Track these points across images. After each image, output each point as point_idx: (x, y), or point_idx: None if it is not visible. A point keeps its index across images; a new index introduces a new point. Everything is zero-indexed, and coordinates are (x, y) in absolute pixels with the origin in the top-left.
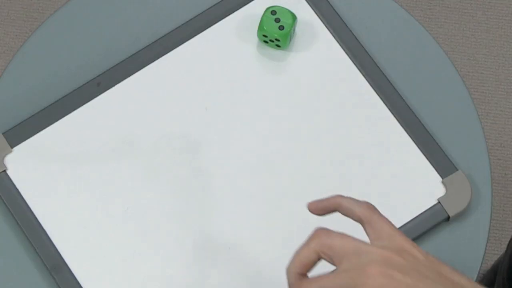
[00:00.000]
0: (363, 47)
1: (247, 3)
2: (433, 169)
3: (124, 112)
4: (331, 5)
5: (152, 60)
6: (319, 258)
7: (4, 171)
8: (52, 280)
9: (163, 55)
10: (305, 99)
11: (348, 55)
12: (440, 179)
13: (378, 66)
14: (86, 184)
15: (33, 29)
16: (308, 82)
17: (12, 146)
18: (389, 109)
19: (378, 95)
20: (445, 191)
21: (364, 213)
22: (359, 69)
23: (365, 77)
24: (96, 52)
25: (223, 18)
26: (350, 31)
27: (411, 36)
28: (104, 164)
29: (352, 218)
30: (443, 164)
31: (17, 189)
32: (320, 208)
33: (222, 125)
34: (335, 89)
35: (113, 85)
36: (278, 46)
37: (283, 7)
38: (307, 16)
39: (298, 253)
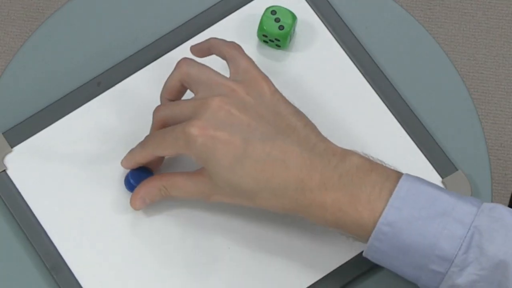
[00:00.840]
0: (363, 47)
1: (247, 3)
2: (433, 169)
3: (124, 112)
4: (331, 5)
5: (152, 60)
6: (183, 87)
7: (4, 171)
8: (52, 280)
9: (163, 55)
10: (305, 99)
11: (348, 55)
12: (440, 179)
13: (378, 66)
14: (86, 184)
15: (33, 29)
16: (308, 82)
17: (12, 146)
18: (389, 109)
19: (378, 95)
20: None
21: (229, 50)
22: (359, 69)
23: (365, 77)
24: (96, 52)
25: (223, 18)
26: (350, 31)
27: (411, 36)
28: (104, 164)
29: (220, 56)
30: (443, 164)
31: (17, 189)
32: (198, 49)
33: None
34: (335, 89)
35: (113, 85)
36: (278, 46)
37: (283, 7)
38: (307, 16)
39: (165, 83)
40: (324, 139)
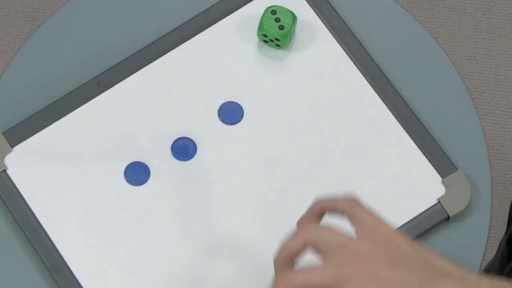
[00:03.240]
0: (363, 47)
1: (247, 2)
2: (433, 169)
3: (124, 112)
4: (331, 5)
5: (152, 60)
6: (305, 249)
7: (4, 170)
8: (52, 280)
9: (163, 54)
10: (304, 99)
11: (348, 55)
12: (440, 179)
13: (378, 66)
14: (86, 184)
15: (33, 29)
16: (308, 82)
17: (12, 145)
18: (389, 109)
19: (378, 95)
20: (445, 191)
21: (347, 205)
22: (359, 69)
23: (365, 77)
24: (96, 52)
25: (223, 17)
26: (350, 31)
27: (411, 36)
28: (104, 163)
29: (337, 214)
30: (443, 164)
31: (17, 189)
32: (309, 218)
33: (222, 125)
34: (335, 89)
35: (113, 85)
36: (278, 45)
37: (283, 7)
38: (307, 16)
39: (285, 243)
40: (481, 276)
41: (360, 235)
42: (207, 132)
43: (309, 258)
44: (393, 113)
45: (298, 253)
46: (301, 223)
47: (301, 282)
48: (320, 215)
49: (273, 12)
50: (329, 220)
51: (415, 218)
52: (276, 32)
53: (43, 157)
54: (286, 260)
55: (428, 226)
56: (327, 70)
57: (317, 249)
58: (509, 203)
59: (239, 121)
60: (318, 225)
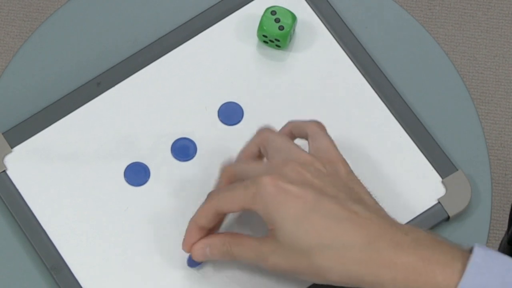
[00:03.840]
0: (363, 47)
1: (247, 3)
2: (433, 169)
3: (124, 112)
4: (331, 5)
5: (152, 60)
6: (260, 154)
7: (4, 171)
8: (52, 280)
9: (163, 55)
10: (304, 99)
11: (348, 55)
12: (440, 179)
13: (378, 66)
14: (86, 184)
15: (33, 29)
16: (308, 82)
17: (12, 146)
18: (389, 109)
19: (378, 95)
20: (445, 191)
21: (312, 128)
22: (359, 69)
23: (365, 77)
24: (96, 52)
25: (223, 18)
26: (350, 31)
27: (411, 36)
28: (104, 164)
29: (301, 136)
30: (443, 164)
31: (17, 189)
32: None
33: (222, 124)
34: (335, 89)
35: (113, 85)
36: (278, 46)
37: (283, 7)
38: (307, 16)
39: (243, 146)
40: (391, 217)
41: (310, 151)
42: (207, 132)
43: None
44: (393, 113)
45: (252, 153)
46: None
47: (235, 169)
48: (292, 136)
49: (273, 13)
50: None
51: (415, 218)
52: (276, 33)
53: (43, 157)
54: (242, 159)
55: (428, 226)
56: (327, 70)
57: (266, 152)
58: (509, 203)
59: (239, 121)
60: (274, 130)
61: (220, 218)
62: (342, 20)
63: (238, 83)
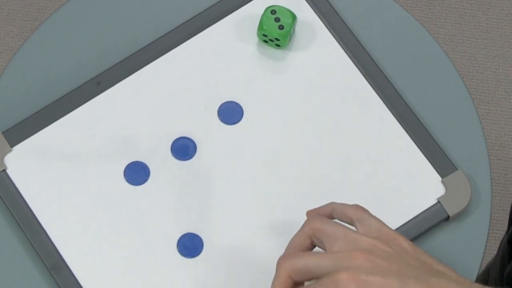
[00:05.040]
0: (363, 47)
1: (247, 2)
2: (433, 168)
3: (124, 112)
4: (331, 5)
5: (152, 60)
6: (312, 244)
7: (4, 170)
8: (52, 280)
9: (163, 54)
10: (304, 98)
11: (348, 55)
12: (440, 178)
13: (378, 66)
14: (86, 184)
15: (33, 29)
16: (308, 82)
17: (12, 145)
18: (389, 109)
19: (378, 95)
20: (445, 191)
21: (355, 212)
22: (359, 69)
23: (365, 77)
24: (96, 51)
25: (222, 17)
26: (350, 31)
27: (411, 36)
28: (104, 163)
29: (345, 220)
30: (443, 163)
31: (17, 189)
32: (317, 214)
33: (222, 124)
34: (335, 89)
35: (113, 84)
36: (278, 45)
37: (283, 7)
38: (307, 15)
39: (292, 239)
40: (475, 284)
41: (364, 232)
42: (207, 132)
43: None
44: (393, 113)
45: (304, 244)
46: (309, 215)
47: (301, 264)
48: (328, 217)
49: (273, 12)
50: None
51: (415, 218)
52: (276, 32)
53: (43, 156)
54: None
55: (428, 226)
56: (327, 70)
57: (321, 242)
58: (509, 203)
59: (239, 121)
60: (323, 217)
61: None
62: (342, 20)
63: (238, 82)
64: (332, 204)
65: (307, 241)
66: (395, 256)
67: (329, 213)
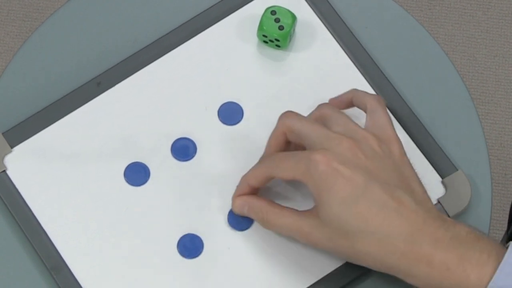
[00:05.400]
0: (363, 47)
1: (247, 3)
2: (432, 169)
3: (124, 112)
4: (331, 5)
5: (152, 60)
6: (287, 138)
7: (4, 171)
8: (52, 280)
9: (163, 55)
10: (304, 99)
11: (348, 55)
12: (440, 179)
13: (378, 66)
14: (86, 184)
15: (33, 29)
16: (308, 82)
17: (12, 146)
18: (389, 109)
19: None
20: (445, 191)
21: (371, 102)
22: (359, 69)
23: (365, 77)
24: (96, 52)
25: (222, 18)
26: (350, 31)
27: (411, 36)
28: (104, 164)
29: (361, 107)
30: (443, 164)
31: (17, 189)
32: (339, 101)
33: (222, 125)
34: (335, 89)
35: (113, 85)
36: (278, 46)
37: (283, 7)
38: (307, 16)
39: (308, 115)
40: (437, 209)
41: (367, 126)
42: (207, 132)
43: None
44: (393, 113)
45: (281, 143)
46: (332, 102)
47: (297, 127)
48: (348, 104)
49: (273, 13)
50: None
51: None
52: (276, 32)
53: (43, 157)
54: (273, 150)
55: None
56: (327, 70)
57: (325, 123)
58: (509, 203)
59: (239, 121)
60: (333, 106)
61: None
62: (342, 20)
63: (238, 83)
64: (354, 90)
65: (283, 137)
66: (378, 157)
67: (350, 98)
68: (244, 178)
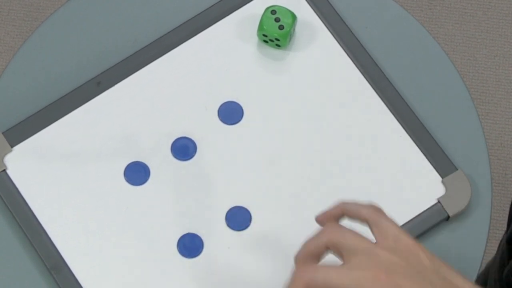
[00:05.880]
0: (363, 47)
1: (247, 2)
2: (433, 168)
3: (124, 112)
4: (331, 5)
5: (152, 60)
6: (326, 249)
7: (4, 170)
8: (52, 280)
9: (163, 54)
10: (304, 98)
11: (348, 55)
12: (440, 178)
13: (378, 66)
14: (86, 184)
15: (33, 29)
16: (308, 82)
17: (12, 145)
18: (389, 109)
19: (378, 95)
20: (445, 191)
21: (370, 214)
22: (359, 69)
23: (365, 77)
24: (96, 51)
25: (223, 17)
26: (350, 31)
27: (411, 36)
28: (104, 163)
29: (359, 221)
30: (443, 163)
31: (17, 189)
32: (327, 218)
33: (222, 124)
34: (335, 89)
35: (113, 85)
36: (278, 45)
37: (283, 7)
38: (307, 15)
39: (308, 241)
40: None
41: (382, 244)
42: (207, 132)
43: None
44: (393, 113)
45: (319, 252)
46: (319, 220)
47: (321, 280)
48: (339, 218)
49: (273, 12)
50: (348, 223)
51: (415, 218)
52: (276, 32)
53: (43, 157)
54: (306, 258)
55: (428, 226)
56: (327, 70)
57: (339, 251)
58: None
59: (239, 121)
60: (342, 227)
61: None
62: (342, 20)
63: (238, 82)
64: (343, 204)
65: (322, 248)
66: (416, 273)
67: (340, 214)
68: None
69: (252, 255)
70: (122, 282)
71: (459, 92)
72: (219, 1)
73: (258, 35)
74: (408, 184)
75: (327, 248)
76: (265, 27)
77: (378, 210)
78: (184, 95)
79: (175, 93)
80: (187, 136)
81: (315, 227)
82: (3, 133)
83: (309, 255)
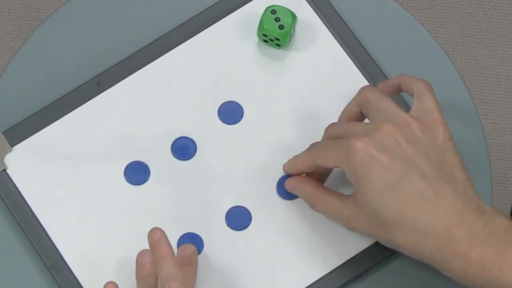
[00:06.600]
0: (363, 47)
1: (247, 2)
2: None
3: (124, 111)
4: (331, 4)
5: (152, 59)
6: (361, 113)
7: (4, 170)
8: (52, 280)
9: (163, 54)
10: (304, 98)
11: (348, 55)
12: None
13: (378, 66)
14: (86, 184)
15: (33, 28)
16: (308, 82)
17: (12, 145)
18: None
19: None
20: None
21: (418, 86)
22: (359, 69)
23: (365, 76)
24: (96, 51)
25: (223, 17)
26: (350, 31)
27: (411, 36)
28: (104, 163)
29: (408, 92)
30: None
31: (17, 189)
32: (387, 86)
33: (222, 124)
34: (335, 89)
35: (113, 84)
36: (278, 45)
37: (283, 7)
38: (307, 15)
39: (345, 107)
40: (478, 198)
41: (413, 111)
42: (207, 131)
43: None
44: None
45: (354, 114)
46: (381, 86)
47: (337, 130)
48: (397, 89)
49: (273, 12)
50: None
51: None
52: (276, 32)
53: (43, 156)
54: (344, 119)
55: None
56: (327, 70)
57: (366, 110)
58: (509, 203)
59: (239, 120)
60: (375, 89)
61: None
62: (342, 20)
63: (238, 82)
64: (402, 75)
65: (356, 109)
66: (420, 143)
67: (398, 84)
68: (294, 161)
69: (252, 254)
70: (122, 282)
71: (459, 92)
72: (219, 1)
73: (258, 35)
74: None
75: (360, 108)
76: (265, 27)
77: (427, 85)
78: (184, 94)
79: (175, 93)
80: (187, 136)
81: (315, 227)
82: (3, 132)
83: (346, 116)
